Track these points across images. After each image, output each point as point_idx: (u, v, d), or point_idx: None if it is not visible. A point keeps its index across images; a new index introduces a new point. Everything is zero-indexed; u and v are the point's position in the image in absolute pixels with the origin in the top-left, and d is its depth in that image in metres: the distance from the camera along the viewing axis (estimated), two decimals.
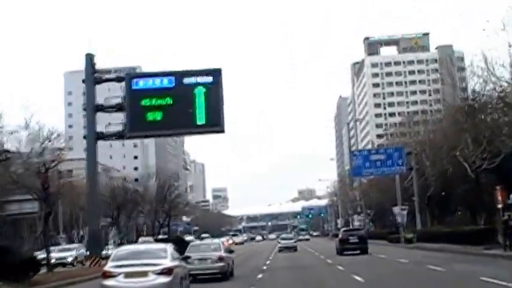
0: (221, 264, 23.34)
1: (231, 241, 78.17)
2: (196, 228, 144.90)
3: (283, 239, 60.11)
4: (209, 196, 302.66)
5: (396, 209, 53.99)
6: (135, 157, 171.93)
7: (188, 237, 78.46)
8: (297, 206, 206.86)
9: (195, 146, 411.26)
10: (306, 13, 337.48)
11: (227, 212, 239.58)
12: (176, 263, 16.31)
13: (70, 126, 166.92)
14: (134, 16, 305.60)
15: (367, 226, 78.48)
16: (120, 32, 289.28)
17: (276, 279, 24.29)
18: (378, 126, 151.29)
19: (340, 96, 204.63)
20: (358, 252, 38.36)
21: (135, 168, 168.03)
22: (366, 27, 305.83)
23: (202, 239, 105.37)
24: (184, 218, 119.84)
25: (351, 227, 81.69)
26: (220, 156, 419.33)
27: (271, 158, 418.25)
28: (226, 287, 22.21)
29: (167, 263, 15.65)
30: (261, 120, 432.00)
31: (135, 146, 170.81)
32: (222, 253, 24.10)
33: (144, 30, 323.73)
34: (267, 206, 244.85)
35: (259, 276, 25.38)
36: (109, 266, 15.68)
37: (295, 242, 58.67)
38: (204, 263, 23.15)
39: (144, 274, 15.15)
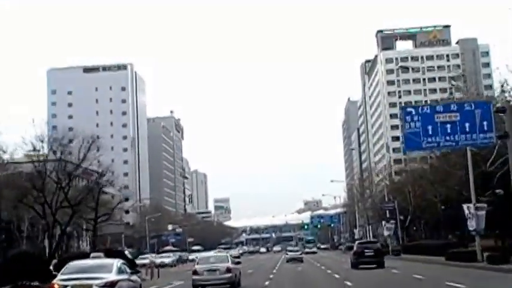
0: (229, 275, 23.95)
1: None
2: (191, 239, 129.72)
3: (290, 251, 65.57)
4: (211, 207, 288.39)
5: (471, 208, 34.72)
6: (125, 162, 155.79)
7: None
8: (303, 217, 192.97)
9: (196, 155, 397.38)
10: (312, 10, 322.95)
11: (229, 223, 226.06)
12: (121, 277, 17.19)
13: (54, 128, 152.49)
14: (121, 13, 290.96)
15: (396, 235, 62.02)
16: (107, 28, 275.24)
17: None
18: (394, 127, 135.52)
19: (349, 100, 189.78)
20: (374, 266, 36.89)
21: (125, 161, 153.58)
22: (378, 21, 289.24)
23: (193, 251, 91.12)
24: (170, 227, 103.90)
25: (367, 239, 77.24)
26: (223, 166, 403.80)
27: (276, 169, 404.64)
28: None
29: (111, 277, 16.74)
30: (266, 129, 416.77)
31: (125, 150, 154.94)
32: (230, 264, 24.85)
33: (133, 27, 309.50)
34: (271, 218, 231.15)
35: (271, 276, 28.97)
36: (57, 279, 16.83)
37: (301, 254, 63.48)
38: (213, 274, 23.77)
39: (88, 287, 16.23)
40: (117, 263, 17.93)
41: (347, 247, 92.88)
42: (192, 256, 77.40)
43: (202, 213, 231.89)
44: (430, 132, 32.36)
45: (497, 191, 38.64)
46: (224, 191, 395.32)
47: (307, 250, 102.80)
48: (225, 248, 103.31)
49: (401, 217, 61.09)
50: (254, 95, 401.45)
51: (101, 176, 53.00)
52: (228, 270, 24.31)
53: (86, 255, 24.61)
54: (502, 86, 39.59)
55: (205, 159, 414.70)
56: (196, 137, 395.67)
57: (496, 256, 31.02)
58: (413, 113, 32.79)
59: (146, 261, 52.18)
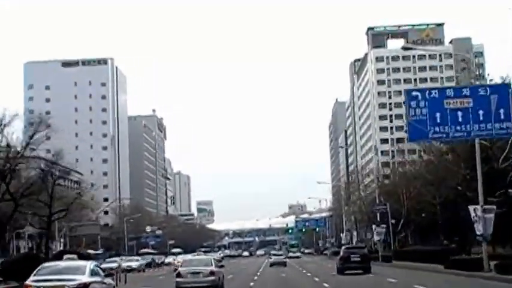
0: (212, 278, 24.20)
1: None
2: (172, 242, 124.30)
3: (274, 254, 66.80)
4: (194, 209, 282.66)
5: (478, 210, 29.17)
6: (104, 160, 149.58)
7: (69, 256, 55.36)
8: (287, 221, 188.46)
9: (179, 156, 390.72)
10: (301, 9, 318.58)
11: (212, 226, 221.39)
12: (94, 279, 17.39)
13: (31, 124, 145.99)
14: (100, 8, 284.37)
15: (387, 240, 57.15)
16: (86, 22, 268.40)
17: None
18: (383, 129, 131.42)
19: (337, 101, 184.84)
20: (360, 271, 36.02)
21: (104, 160, 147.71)
22: (369, 19, 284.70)
23: (174, 254, 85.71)
24: (149, 229, 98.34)
25: (353, 244, 75.95)
26: (207, 168, 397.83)
27: (261, 172, 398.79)
28: None
29: (84, 279, 16.95)
30: (251, 131, 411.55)
31: (104, 148, 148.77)
32: (214, 268, 25.03)
33: (116, 22, 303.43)
34: (254, 221, 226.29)
35: (252, 284, 27.69)
36: (30, 280, 17.08)
37: (284, 258, 64.59)
38: (197, 276, 24.03)
39: None
40: (90, 265, 18.16)
41: (333, 252, 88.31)
42: (169, 259, 71.65)
43: (185, 215, 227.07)
44: (439, 121, 28.24)
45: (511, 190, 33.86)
46: (208, 194, 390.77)
47: (290, 254, 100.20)
48: (205, 252, 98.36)
49: (393, 221, 56.10)
50: (239, 95, 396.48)
51: (53, 164, 46.50)
52: (212, 273, 24.55)
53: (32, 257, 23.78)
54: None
55: (188, 161, 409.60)
56: (180, 137, 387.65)
57: (506, 265, 26.79)
58: (420, 97, 28.31)
59: (114, 264, 46.34)
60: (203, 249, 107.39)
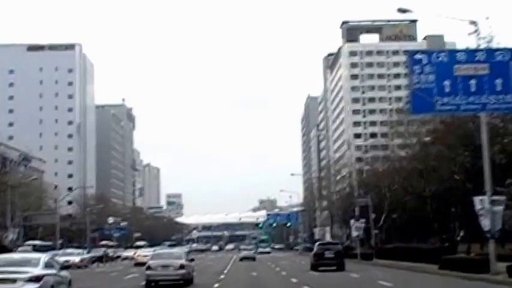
0: (183, 271, 24.30)
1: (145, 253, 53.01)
2: (138, 234, 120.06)
3: (244, 249, 67.55)
4: (164, 202, 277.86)
5: (485, 202, 25.12)
6: (70, 149, 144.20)
7: None
8: (258, 216, 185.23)
9: (149, 148, 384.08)
10: (272, 1, 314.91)
11: (181, 219, 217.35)
12: (48, 271, 17.05)
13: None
14: None
15: (368, 237, 53.57)
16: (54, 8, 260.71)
17: None
18: (356, 124, 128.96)
19: (309, 96, 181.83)
20: (334, 268, 35.40)
21: (69, 148, 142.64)
22: (343, 13, 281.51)
23: (137, 247, 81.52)
24: (111, 220, 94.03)
25: (326, 239, 73.44)
26: (177, 161, 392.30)
27: (232, 167, 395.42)
28: None
29: (37, 271, 16.60)
30: (223, 126, 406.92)
31: (70, 136, 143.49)
32: (184, 261, 24.95)
33: (85, 8, 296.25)
34: (224, 215, 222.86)
35: (216, 285, 25.79)
36: None
37: (254, 253, 65.82)
38: (167, 269, 24.05)
39: (13, 281, 16.09)
40: (44, 257, 17.96)
41: (305, 248, 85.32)
42: (128, 253, 66.97)
43: (154, 208, 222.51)
44: (447, 90, 23.90)
45: None
46: (177, 187, 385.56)
47: (260, 250, 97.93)
48: (170, 245, 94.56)
49: (373, 215, 52.82)
50: (211, 87, 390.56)
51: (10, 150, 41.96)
52: (182, 266, 24.49)
53: None
54: None
55: (158, 153, 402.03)
56: (150, 129, 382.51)
57: None
58: (424, 61, 23.99)
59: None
60: (168, 243, 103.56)
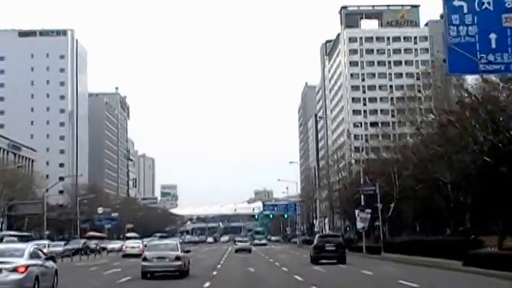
0: (178, 263, 24.17)
1: (132, 244, 49.90)
2: (130, 225, 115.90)
3: (240, 241, 65.57)
4: (158, 193, 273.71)
5: None
6: (61, 137, 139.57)
7: None
8: (253, 207, 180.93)
9: (144, 138, 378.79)
10: None
11: (175, 210, 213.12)
12: (33, 262, 16.95)
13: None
14: None
15: (373, 228, 49.31)
16: None
17: None
18: (356, 112, 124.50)
19: (307, 85, 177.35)
20: (334, 261, 33.94)
21: (61, 137, 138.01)
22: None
23: (128, 238, 77.35)
24: (101, 210, 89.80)
25: (328, 232, 72.74)
26: (172, 152, 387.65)
27: (228, 157, 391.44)
28: (183, 283, 22.76)
29: (22, 261, 16.51)
30: (218, 116, 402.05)
31: (62, 125, 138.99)
32: (180, 253, 24.81)
33: None
34: (219, 207, 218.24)
35: (214, 273, 26.80)
36: None
37: (250, 244, 64.53)
38: (163, 261, 23.98)
39: None
40: (30, 247, 17.82)
41: (304, 240, 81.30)
42: (113, 245, 62.51)
43: (148, 199, 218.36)
44: (494, 45, 19.00)
45: None
46: (172, 178, 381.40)
47: (256, 242, 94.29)
48: (160, 237, 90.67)
49: (379, 205, 48.51)
50: (206, 78, 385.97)
51: None
52: (178, 258, 24.39)
53: None
54: None
55: (153, 143, 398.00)
56: (145, 119, 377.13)
57: None
58: (465, 10, 19.31)
59: None
60: (159, 235, 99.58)
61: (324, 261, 33.92)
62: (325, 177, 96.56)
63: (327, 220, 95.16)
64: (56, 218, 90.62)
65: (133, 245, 52.29)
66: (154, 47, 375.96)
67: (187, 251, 27.96)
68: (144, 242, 53.27)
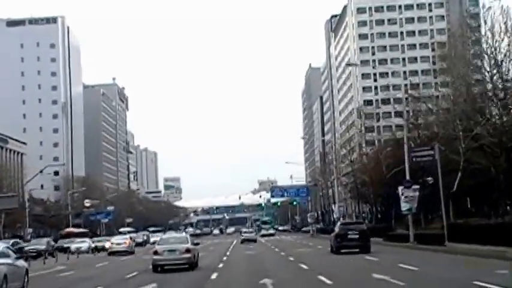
0: (188, 255, 24.03)
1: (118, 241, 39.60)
2: (129, 220, 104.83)
3: (245, 232, 66.06)
4: (162, 187, 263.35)
5: None
6: (55, 130, 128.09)
7: None
8: (260, 195, 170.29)
9: (146, 132, 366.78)
10: None
11: (180, 203, 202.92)
12: (2, 261, 16.33)
13: None
14: None
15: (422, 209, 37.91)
16: None
17: None
18: (366, 89, 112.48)
19: (310, 66, 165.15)
20: (357, 250, 30.58)
21: (55, 130, 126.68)
22: None
23: (121, 233, 66.18)
24: (88, 203, 78.06)
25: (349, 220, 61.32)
26: (174, 144, 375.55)
27: (231, 148, 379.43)
28: (193, 274, 22.45)
29: None
30: (220, 106, 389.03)
31: (55, 117, 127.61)
32: (189, 245, 24.69)
33: None
34: (224, 198, 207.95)
35: (220, 266, 25.81)
36: None
37: (255, 235, 65.89)
38: (173, 254, 23.96)
39: None
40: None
41: (319, 229, 69.81)
42: (78, 244, 50.13)
43: (152, 192, 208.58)
44: None
45: None
46: (176, 171, 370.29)
47: (263, 232, 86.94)
48: (153, 231, 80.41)
49: (430, 179, 36.62)
50: (207, 66, 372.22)
51: None
52: (187, 250, 24.04)
53: None
54: None
55: (155, 137, 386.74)
56: (147, 112, 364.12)
57: None
58: None
59: None
60: (152, 229, 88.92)
61: (345, 250, 30.70)
62: (340, 159, 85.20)
63: (335, 206, 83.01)
64: (43, 214, 79.27)
65: (119, 241, 45.50)
66: (154, 37, 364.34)
67: (197, 244, 27.74)
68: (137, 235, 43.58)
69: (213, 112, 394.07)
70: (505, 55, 33.22)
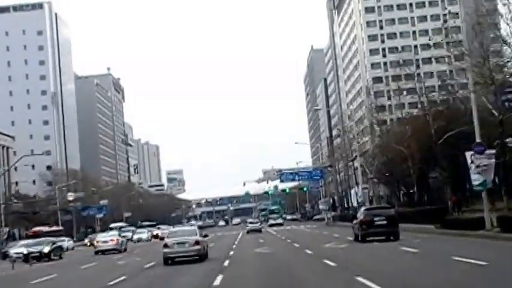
0: (198, 247, 23.81)
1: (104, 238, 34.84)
2: (128, 214, 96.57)
3: (251, 222, 65.73)
4: (165, 180, 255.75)
5: None
6: (45, 122, 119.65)
7: None
8: (266, 180, 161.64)
9: (146, 125, 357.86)
10: None
11: (183, 196, 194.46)
12: None
13: None
14: None
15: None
16: None
17: None
18: (375, 66, 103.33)
19: (312, 48, 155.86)
20: (385, 237, 27.97)
21: (45, 122, 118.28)
22: None
23: (111, 229, 57.88)
24: (71, 197, 69.41)
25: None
26: (176, 137, 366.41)
27: (234, 138, 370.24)
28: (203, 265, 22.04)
29: None
30: (221, 96, 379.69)
31: (44, 108, 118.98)
32: (198, 237, 24.37)
33: None
34: (228, 188, 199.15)
35: (228, 261, 23.35)
36: None
37: (260, 225, 64.39)
38: (182, 246, 23.70)
39: None
40: None
41: (337, 217, 61.30)
42: (17, 249, 39.48)
43: (155, 186, 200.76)
44: None
45: None
46: (179, 164, 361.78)
47: (271, 222, 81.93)
48: (147, 225, 73.34)
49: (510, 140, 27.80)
50: (207, 55, 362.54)
51: None
52: (197, 242, 23.83)
53: None
54: None
55: (157, 130, 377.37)
56: (147, 106, 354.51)
57: None
58: None
59: None
60: (145, 223, 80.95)
61: (371, 238, 27.93)
62: (353, 141, 76.75)
63: (353, 190, 73.96)
64: (25, 212, 70.73)
65: (105, 239, 40.81)
66: (150, 24, 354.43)
67: (205, 235, 26.61)
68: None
69: (213, 103, 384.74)
70: None
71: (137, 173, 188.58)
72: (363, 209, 31.87)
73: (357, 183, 54.02)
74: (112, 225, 69.52)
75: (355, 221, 29.86)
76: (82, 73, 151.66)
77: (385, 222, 27.76)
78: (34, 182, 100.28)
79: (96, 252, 38.83)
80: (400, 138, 49.08)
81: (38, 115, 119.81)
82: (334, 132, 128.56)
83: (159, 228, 71.86)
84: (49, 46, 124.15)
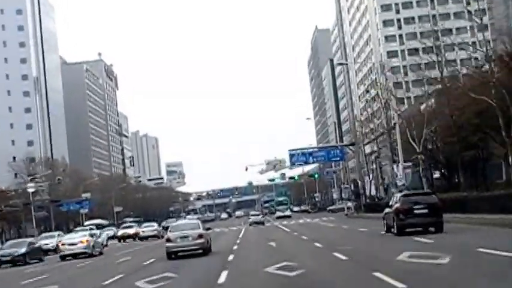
0: (201, 240, 23.30)
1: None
2: (118, 209, 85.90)
3: (253, 215, 65.66)
4: (164, 173, 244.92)
5: None
6: (27, 110, 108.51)
7: None
8: (267, 176, 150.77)
9: (144, 116, 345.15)
10: None
11: (183, 189, 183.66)
12: None
13: None
14: None
15: None
16: None
17: None
18: (389, 39, 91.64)
19: (317, 28, 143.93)
20: (427, 229, 23.84)
21: (27, 109, 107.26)
22: None
23: (94, 228, 47.46)
24: (31, 188, 57.67)
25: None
26: (175, 128, 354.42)
27: (235, 127, 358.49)
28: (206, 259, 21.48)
29: None
30: (220, 84, 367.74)
31: (26, 94, 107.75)
32: (202, 231, 23.85)
33: None
34: (230, 180, 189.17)
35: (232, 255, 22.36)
36: None
37: (262, 217, 64.20)
38: (186, 240, 23.13)
39: None
40: None
41: (359, 206, 50.26)
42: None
43: (154, 179, 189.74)
44: None
45: None
46: (179, 156, 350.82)
47: (279, 214, 76.74)
48: (135, 222, 62.28)
49: None
50: (206, 43, 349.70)
51: None
52: (200, 236, 23.21)
53: None
54: None
55: (156, 122, 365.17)
56: (145, 97, 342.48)
57: None
58: None
59: None
60: (130, 219, 70.25)
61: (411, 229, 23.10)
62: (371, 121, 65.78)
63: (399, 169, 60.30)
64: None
65: (72, 240, 33.40)
66: (152, 21, 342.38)
67: (208, 229, 26.60)
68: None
69: (214, 101, 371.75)
70: None
71: (133, 165, 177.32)
72: (398, 195, 26.26)
73: (397, 162, 41.93)
74: (87, 222, 58.25)
75: (387, 210, 25.60)
76: (70, 60, 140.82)
77: (426, 210, 23.88)
78: (16, 175, 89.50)
79: (62, 257, 32.46)
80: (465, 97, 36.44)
81: (18, 102, 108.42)
82: (345, 114, 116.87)
83: (139, 225, 55.59)
84: (30, 26, 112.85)
